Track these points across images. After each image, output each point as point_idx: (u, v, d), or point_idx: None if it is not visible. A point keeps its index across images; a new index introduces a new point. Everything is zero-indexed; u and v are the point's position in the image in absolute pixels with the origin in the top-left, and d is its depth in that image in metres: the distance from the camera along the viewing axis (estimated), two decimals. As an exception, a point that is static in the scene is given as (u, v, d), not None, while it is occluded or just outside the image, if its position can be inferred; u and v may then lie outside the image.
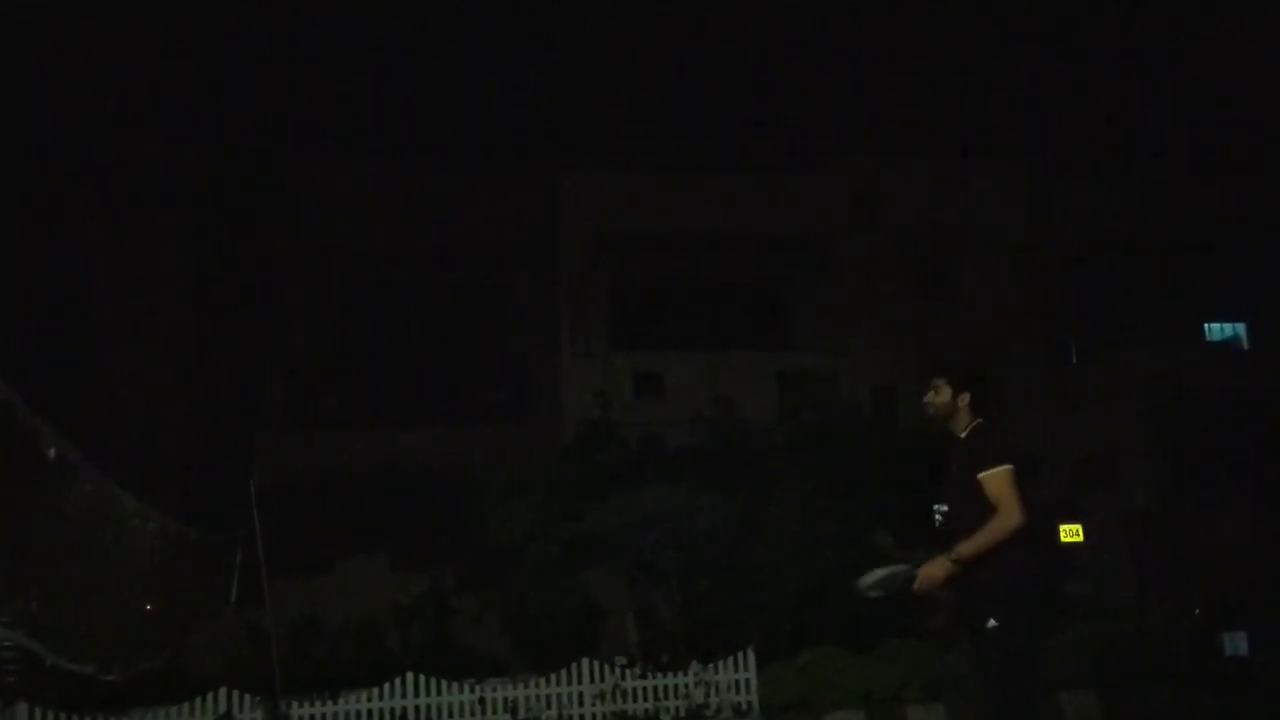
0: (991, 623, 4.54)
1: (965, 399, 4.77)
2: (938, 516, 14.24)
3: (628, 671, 11.83)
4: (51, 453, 7.00)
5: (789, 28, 40.95)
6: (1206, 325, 23.85)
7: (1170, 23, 38.22)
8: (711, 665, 11.84)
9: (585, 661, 11.70)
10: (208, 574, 11.36)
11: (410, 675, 11.38)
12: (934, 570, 4.68)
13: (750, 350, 22.21)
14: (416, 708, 11.22)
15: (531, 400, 23.10)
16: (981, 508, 4.57)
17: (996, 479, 4.55)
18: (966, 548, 4.57)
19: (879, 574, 5.00)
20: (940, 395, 4.82)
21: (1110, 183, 24.07)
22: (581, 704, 11.43)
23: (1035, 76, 36.28)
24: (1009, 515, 4.50)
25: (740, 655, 11.87)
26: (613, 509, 14.34)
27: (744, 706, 11.63)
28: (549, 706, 11.40)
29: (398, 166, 23.01)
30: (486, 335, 23.55)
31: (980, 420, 4.78)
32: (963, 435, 4.82)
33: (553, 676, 11.58)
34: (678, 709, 11.51)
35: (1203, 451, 19.58)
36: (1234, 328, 23.81)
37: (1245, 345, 23.73)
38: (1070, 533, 18.75)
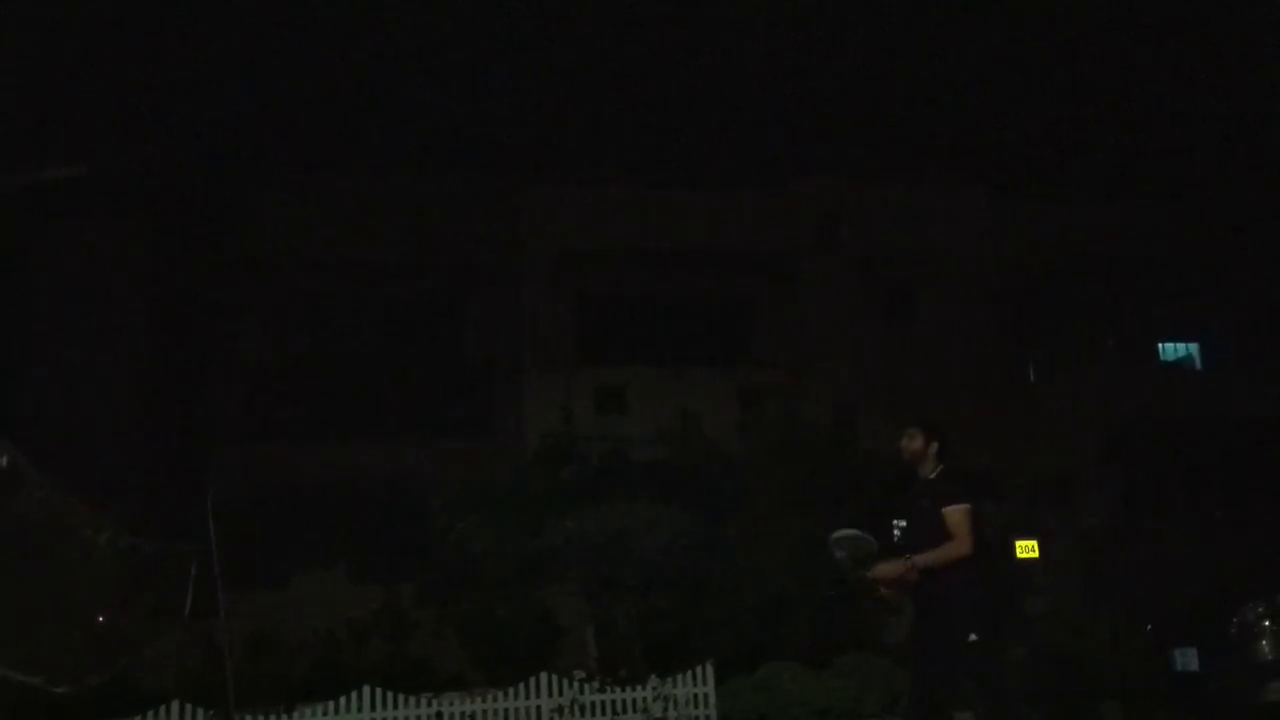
0: (973, 637, 5.45)
1: (934, 448, 5.89)
2: (895, 532, 14.37)
3: (586, 685, 11.82)
4: (3, 461, 6.91)
5: (757, 47, 41.35)
6: (1160, 346, 24.21)
7: (1125, 46, 38.98)
8: (670, 679, 11.85)
9: (543, 675, 11.68)
10: (162, 586, 11.20)
11: (366, 689, 11.31)
12: (890, 567, 5.76)
13: (713, 366, 22.26)
14: (372, 722, 11.14)
15: (493, 414, 23.01)
16: (941, 536, 5.62)
17: (956, 514, 5.60)
18: (923, 558, 5.61)
19: (850, 533, 5.80)
20: (914, 442, 5.93)
21: (1069, 203, 24.45)
22: (539, 718, 11.41)
23: (997, 98, 36.84)
24: (961, 544, 5.55)
25: (699, 670, 11.89)
26: (574, 524, 14.34)
27: (702, 721, 11.65)
28: (506, 721, 11.36)
29: (360, 178, 22.91)
30: (448, 348, 23.44)
31: (944, 465, 5.88)
32: (931, 476, 5.88)
33: (510, 690, 11.56)
34: (635, 723, 11.51)
35: (1156, 470, 19.90)
36: (1188, 348, 24.20)
37: (1198, 366, 24.11)
38: (1026, 549, 18.93)
